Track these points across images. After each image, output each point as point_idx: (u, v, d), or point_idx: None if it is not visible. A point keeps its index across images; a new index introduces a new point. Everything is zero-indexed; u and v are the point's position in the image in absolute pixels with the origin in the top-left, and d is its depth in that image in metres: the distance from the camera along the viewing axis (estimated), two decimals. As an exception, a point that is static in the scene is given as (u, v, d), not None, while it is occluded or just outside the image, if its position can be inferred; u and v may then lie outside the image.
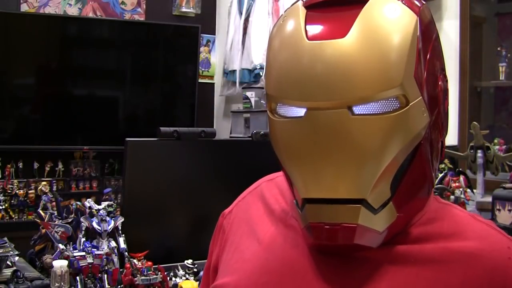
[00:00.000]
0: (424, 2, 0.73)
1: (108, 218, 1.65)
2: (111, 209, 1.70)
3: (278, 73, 0.71)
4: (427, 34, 0.70)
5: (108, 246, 1.60)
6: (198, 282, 1.60)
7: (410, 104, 0.67)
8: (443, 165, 2.13)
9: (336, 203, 0.67)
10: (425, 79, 0.69)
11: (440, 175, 1.96)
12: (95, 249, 1.56)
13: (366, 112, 0.66)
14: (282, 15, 0.75)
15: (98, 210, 1.67)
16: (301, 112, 0.69)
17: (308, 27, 0.69)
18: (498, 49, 2.72)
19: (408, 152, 0.69)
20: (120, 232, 1.66)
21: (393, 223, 0.70)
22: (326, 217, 0.68)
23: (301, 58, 0.68)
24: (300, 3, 0.73)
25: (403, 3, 0.68)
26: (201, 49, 4.35)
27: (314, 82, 0.66)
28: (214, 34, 4.52)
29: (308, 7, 0.72)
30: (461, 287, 0.69)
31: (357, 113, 0.66)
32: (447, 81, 0.77)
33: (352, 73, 0.65)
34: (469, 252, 0.71)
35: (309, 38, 0.68)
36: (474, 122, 2.05)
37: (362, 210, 0.67)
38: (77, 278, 1.50)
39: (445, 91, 0.76)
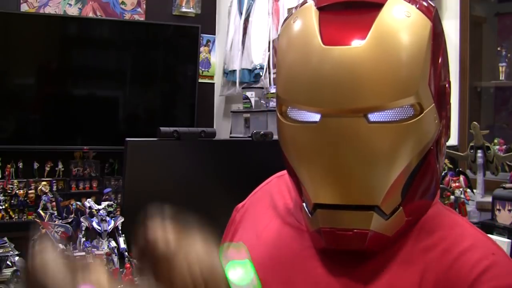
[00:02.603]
0: (434, 5, 0.73)
1: (108, 218, 1.65)
2: (111, 209, 1.70)
3: (289, 75, 0.69)
4: (439, 39, 0.71)
5: (108, 246, 1.61)
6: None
7: (424, 112, 0.67)
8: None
9: (348, 209, 0.67)
10: (437, 85, 0.69)
11: (440, 175, 1.95)
12: (95, 249, 1.57)
13: (382, 120, 0.66)
14: (290, 14, 0.73)
15: (98, 210, 1.67)
16: (314, 117, 0.67)
17: (323, 30, 0.68)
18: (498, 49, 2.71)
19: (420, 158, 0.69)
20: (120, 232, 1.67)
21: (401, 226, 0.70)
22: (338, 223, 0.68)
23: (314, 62, 0.66)
24: (312, 3, 0.71)
25: (417, 8, 0.68)
26: (201, 49, 4.35)
27: (329, 88, 0.65)
28: (214, 34, 4.52)
29: (320, 8, 0.70)
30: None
31: (372, 120, 0.66)
32: (450, 83, 0.77)
33: (368, 81, 0.64)
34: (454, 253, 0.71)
35: (324, 42, 0.66)
36: (474, 122, 2.05)
37: (375, 216, 0.67)
38: (77, 278, 1.50)
39: (450, 94, 0.76)
